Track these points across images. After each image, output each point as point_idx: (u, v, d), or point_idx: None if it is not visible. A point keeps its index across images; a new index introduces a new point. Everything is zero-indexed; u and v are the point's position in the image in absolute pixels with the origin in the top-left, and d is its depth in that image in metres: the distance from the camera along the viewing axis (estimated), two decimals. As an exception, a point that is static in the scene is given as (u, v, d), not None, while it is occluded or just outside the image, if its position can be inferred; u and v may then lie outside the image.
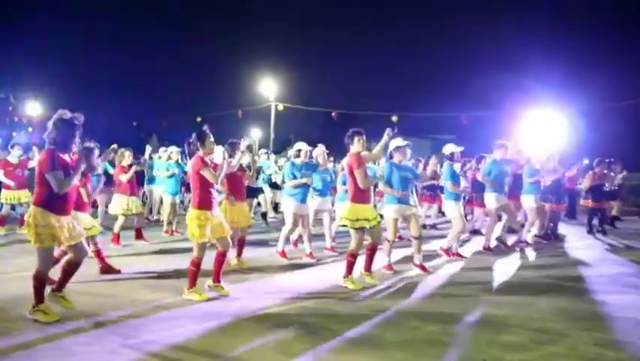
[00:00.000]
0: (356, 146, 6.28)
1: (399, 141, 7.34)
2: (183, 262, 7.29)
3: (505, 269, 7.55)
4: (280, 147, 32.53)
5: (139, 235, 9.26)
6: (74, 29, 61.55)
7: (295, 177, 8.02)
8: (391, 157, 7.38)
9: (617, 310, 5.41)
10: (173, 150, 11.09)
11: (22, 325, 4.56)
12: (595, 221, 11.63)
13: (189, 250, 6.82)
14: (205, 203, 5.59)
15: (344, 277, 6.24)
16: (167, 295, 5.70)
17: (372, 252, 6.46)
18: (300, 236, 8.56)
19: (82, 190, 6.11)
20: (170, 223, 10.37)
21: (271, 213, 13.28)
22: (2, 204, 10.06)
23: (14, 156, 10.18)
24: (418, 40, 57.03)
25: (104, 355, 3.99)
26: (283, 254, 8.03)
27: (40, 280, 4.67)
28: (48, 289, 4.88)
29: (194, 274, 5.56)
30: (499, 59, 43.36)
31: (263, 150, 15.75)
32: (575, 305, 5.63)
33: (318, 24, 64.79)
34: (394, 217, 7.16)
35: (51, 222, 4.58)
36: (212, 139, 5.73)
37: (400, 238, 9.16)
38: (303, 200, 8.09)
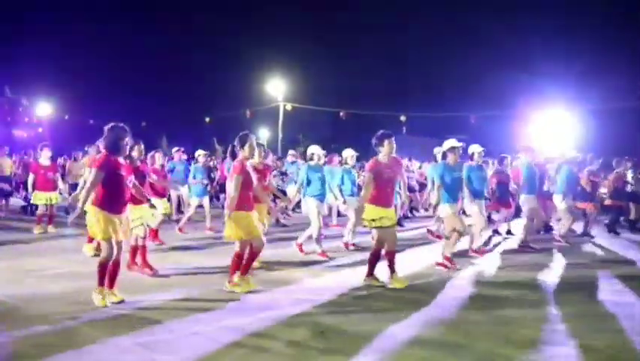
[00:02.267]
0: (386, 148, 6.18)
1: (453, 142, 7.31)
2: (206, 261, 7.45)
3: (520, 269, 7.47)
4: (288, 147, 32.54)
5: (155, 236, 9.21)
6: (85, 31, 61.85)
7: (309, 180, 8.18)
8: (445, 157, 7.34)
9: (631, 312, 5.31)
10: (201, 152, 11.28)
11: (43, 321, 4.54)
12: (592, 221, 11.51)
13: (206, 247, 6.82)
14: (243, 204, 5.65)
15: (367, 276, 6.23)
16: (185, 293, 5.68)
17: (391, 256, 6.21)
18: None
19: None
20: (187, 221, 10.54)
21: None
22: (37, 205, 10.07)
23: (45, 157, 10.06)
24: (427, 39, 56.72)
25: (121, 353, 3.97)
26: (301, 248, 8.16)
27: (101, 267, 5.10)
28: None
29: (236, 265, 5.73)
30: (511, 58, 42.99)
31: (291, 152, 15.56)
32: (588, 306, 5.55)
33: (326, 24, 64.68)
34: (452, 212, 7.21)
35: (106, 219, 5.02)
36: (253, 143, 5.79)
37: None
38: (323, 199, 8.29)
